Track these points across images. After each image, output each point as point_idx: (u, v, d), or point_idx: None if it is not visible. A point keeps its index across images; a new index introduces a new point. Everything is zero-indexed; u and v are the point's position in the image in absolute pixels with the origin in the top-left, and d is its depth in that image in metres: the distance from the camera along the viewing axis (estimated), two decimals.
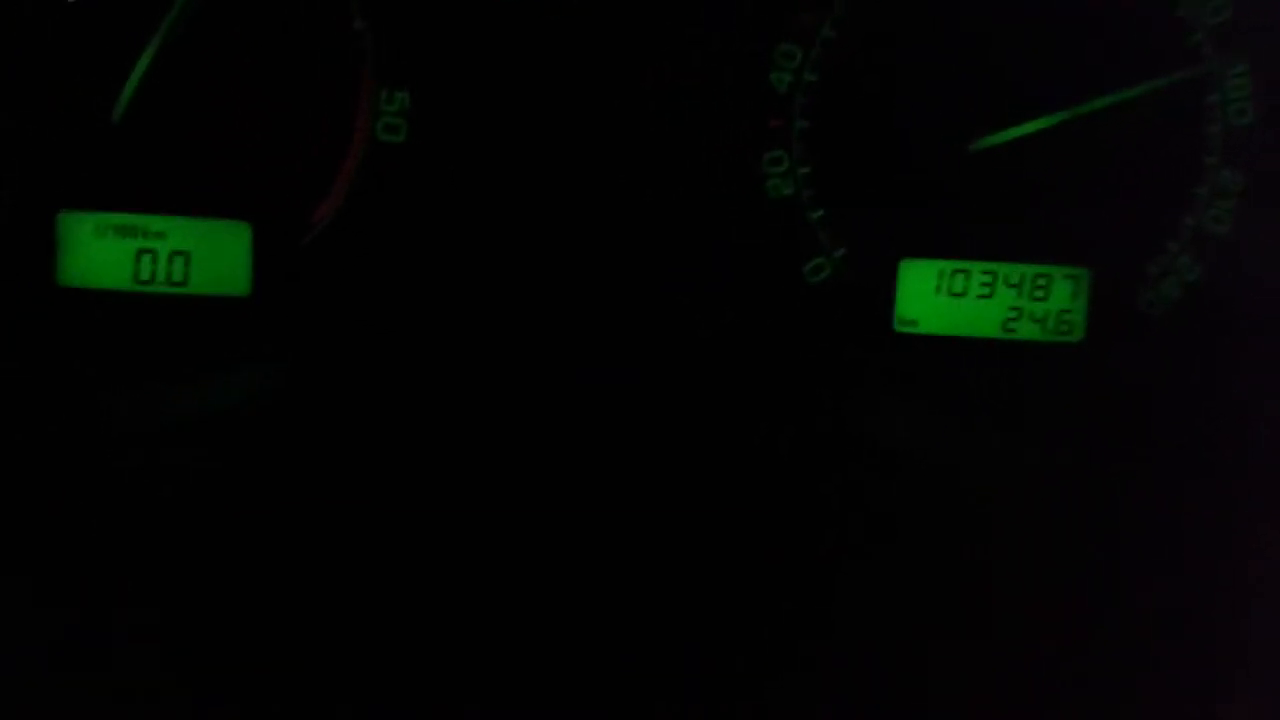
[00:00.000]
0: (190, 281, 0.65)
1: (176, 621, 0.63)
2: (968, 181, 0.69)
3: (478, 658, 0.63)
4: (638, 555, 0.66)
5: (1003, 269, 0.70)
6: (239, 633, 0.63)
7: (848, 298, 0.70)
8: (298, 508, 0.65)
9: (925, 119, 0.69)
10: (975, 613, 0.67)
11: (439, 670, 0.63)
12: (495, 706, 0.63)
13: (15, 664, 0.60)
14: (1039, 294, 0.70)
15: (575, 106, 0.67)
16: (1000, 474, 0.69)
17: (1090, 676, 0.66)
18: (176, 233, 0.65)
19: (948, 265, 0.70)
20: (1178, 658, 0.66)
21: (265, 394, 0.67)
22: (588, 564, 0.65)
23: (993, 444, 0.70)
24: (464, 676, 0.63)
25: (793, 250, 0.70)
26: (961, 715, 0.65)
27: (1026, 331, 0.71)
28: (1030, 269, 0.70)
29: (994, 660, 0.65)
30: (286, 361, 0.67)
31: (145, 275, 0.65)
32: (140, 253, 0.65)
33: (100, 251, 0.65)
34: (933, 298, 0.70)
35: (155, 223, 0.65)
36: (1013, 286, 0.70)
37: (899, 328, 0.71)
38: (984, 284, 0.70)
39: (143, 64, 0.63)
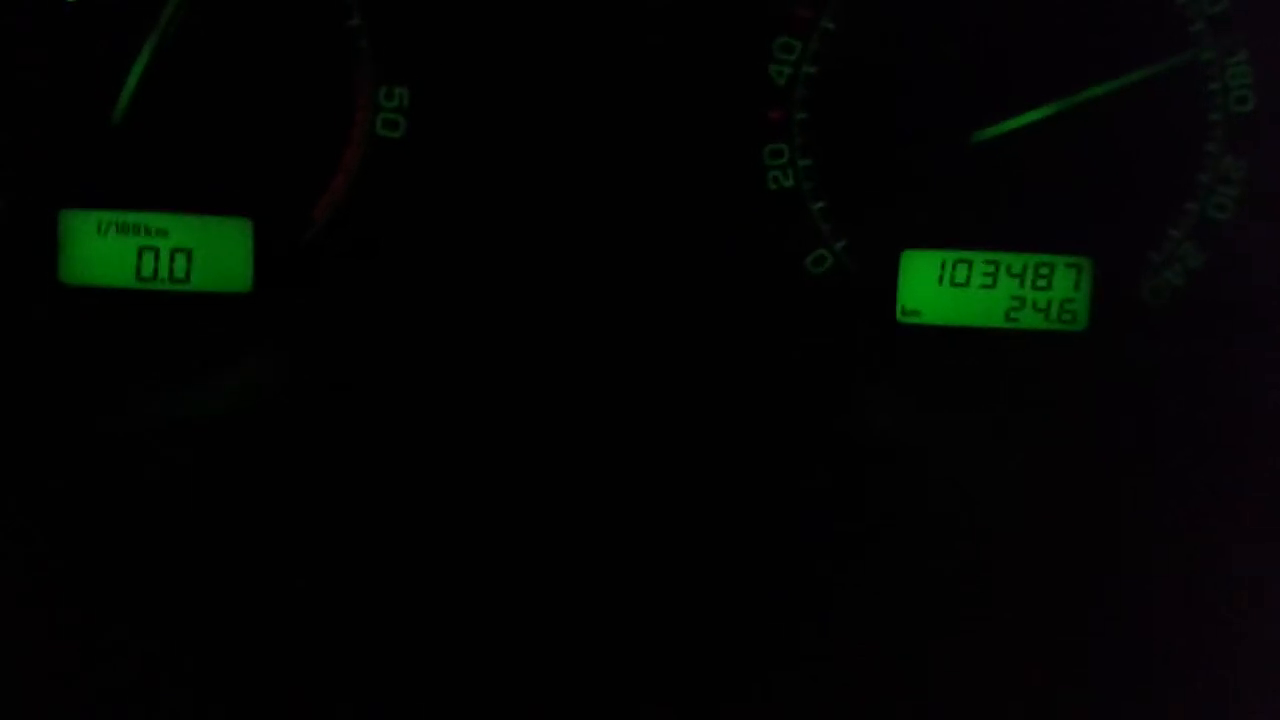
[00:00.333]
0: (192, 278, 0.66)
1: (177, 620, 0.63)
2: (969, 171, 0.69)
3: (477, 656, 0.63)
4: (638, 544, 0.66)
5: (1005, 258, 0.70)
6: (240, 631, 0.63)
7: (850, 289, 0.70)
8: (299, 503, 0.65)
9: (925, 109, 0.69)
10: (978, 603, 0.67)
11: (439, 668, 0.63)
12: (495, 705, 0.63)
13: (12, 662, 0.61)
14: (1041, 283, 0.70)
15: (574, 100, 0.67)
16: (1004, 464, 0.69)
17: (1095, 668, 0.66)
18: (178, 230, 0.65)
19: (950, 255, 0.70)
20: (1181, 650, 0.66)
21: (266, 391, 0.67)
22: (587, 558, 0.65)
23: (997, 433, 0.70)
24: (463, 675, 0.63)
25: (794, 242, 0.70)
26: (963, 709, 0.65)
27: (1029, 321, 0.70)
28: (1033, 258, 0.70)
29: (997, 650, 0.65)
30: (287, 358, 0.67)
31: (147, 272, 0.65)
32: (142, 250, 0.65)
33: (102, 249, 0.65)
34: (935, 288, 0.70)
35: (157, 220, 0.65)
36: (1015, 276, 0.70)
37: (902, 318, 0.70)
38: (986, 274, 0.70)
39: (142, 62, 0.63)
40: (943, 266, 0.70)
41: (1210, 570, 0.66)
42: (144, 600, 0.63)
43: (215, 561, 0.64)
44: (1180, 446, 0.69)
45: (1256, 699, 0.64)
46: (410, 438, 0.66)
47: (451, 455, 0.66)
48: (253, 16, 0.65)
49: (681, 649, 0.65)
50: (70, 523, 0.63)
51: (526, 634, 0.64)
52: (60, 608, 0.63)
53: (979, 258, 0.70)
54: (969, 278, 0.70)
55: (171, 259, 0.65)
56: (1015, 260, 0.70)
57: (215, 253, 0.66)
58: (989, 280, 0.70)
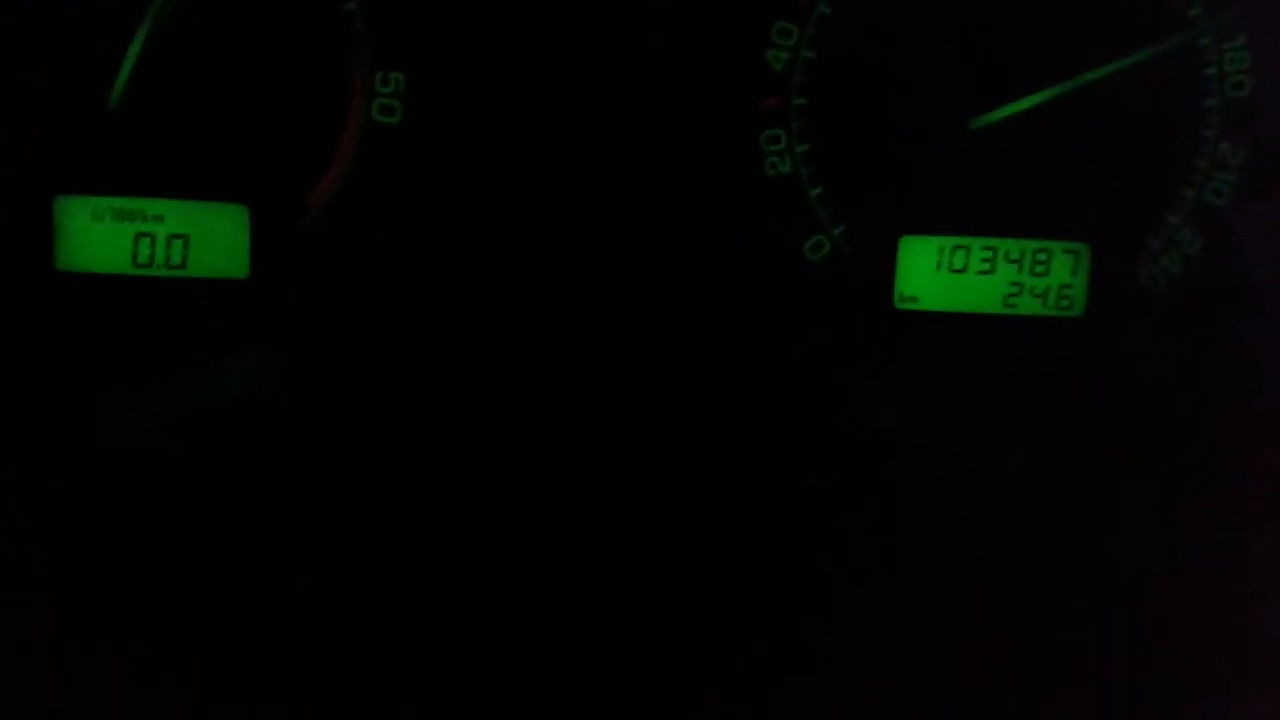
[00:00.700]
0: (189, 264, 0.65)
1: (172, 612, 0.63)
2: (967, 157, 0.69)
3: (477, 651, 0.63)
4: (635, 533, 0.66)
5: (1003, 244, 0.70)
6: (236, 624, 0.63)
7: (848, 275, 0.70)
8: (295, 492, 0.65)
9: (923, 95, 0.69)
10: (978, 593, 0.67)
11: (437, 663, 0.63)
12: (495, 702, 0.63)
13: (8, 658, 0.60)
14: (1039, 269, 0.70)
15: (572, 86, 0.67)
16: (1002, 450, 0.69)
17: (1095, 658, 0.66)
18: (174, 216, 0.65)
19: (948, 241, 0.70)
20: (1180, 637, 0.66)
21: (263, 378, 0.67)
22: (585, 551, 0.65)
23: (995, 419, 0.70)
24: (463, 671, 0.63)
25: (792, 228, 0.70)
26: (964, 700, 0.65)
27: (1027, 307, 0.70)
28: (1030, 244, 0.70)
29: (997, 641, 0.65)
30: (283, 344, 0.67)
31: (144, 258, 0.65)
32: (138, 236, 0.65)
33: (98, 235, 0.65)
34: (933, 274, 0.70)
35: (153, 206, 0.65)
36: (1013, 262, 0.70)
37: (900, 305, 0.70)
38: (984, 260, 0.70)
39: (137, 47, 0.63)
40: (941, 252, 0.70)
41: (1210, 557, 0.66)
42: (140, 591, 0.63)
43: (210, 552, 0.64)
44: (1179, 432, 0.69)
45: (1255, 689, 0.64)
46: (407, 425, 0.66)
47: (449, 443, 0.66)
48: (248, 1, 0.64)
49: (679, 643, 0.65)
50: (66, 512, 0.63)
51: (527, 629, 0.64)
52: (57, 598, 0.62)
53: (977, 244, 0.70)
54: (967, 264, 0.70)
55: (168, 245, 0.65)
56: (1013, 246, 0.70)
57: (212, 239, 0.65)
58: (987, 266, 0.70)
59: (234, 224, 0.65)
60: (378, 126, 0.66)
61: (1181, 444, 0.69)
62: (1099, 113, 0.69)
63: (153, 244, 0.65)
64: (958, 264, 0.70)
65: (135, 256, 0.65)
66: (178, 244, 0.65)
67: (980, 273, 0.70)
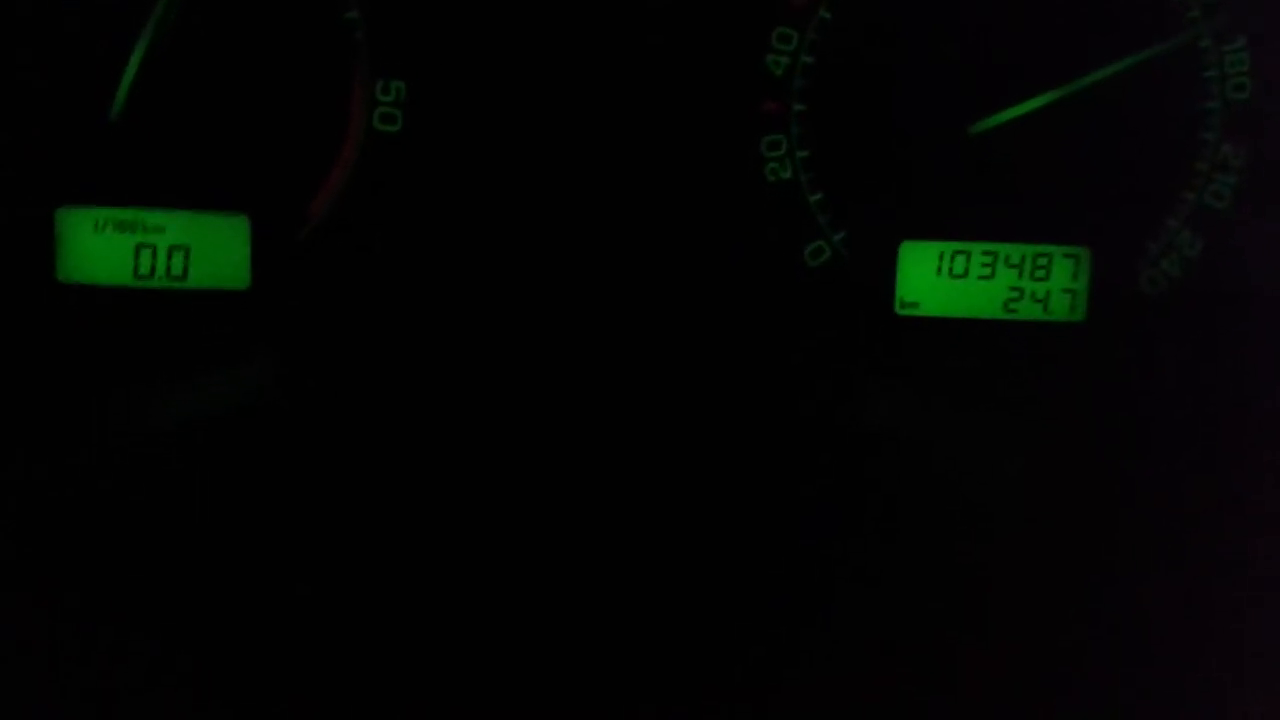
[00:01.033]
0: (190, 276, 0.65)
1: (173, 620, 0.63)
2: (967, 162, 0.69)
3: (477, 653, 0.63)
4: (635, 537, 0.66)
5: (1003, 249, 0.70)
6: (236, 629, 0.63)
7: (849, 281, 0.70)
8: (297, 499, 0.65)
9: (923, 100, 0.69)
10: (978, 599, 0.67)
11: (437, 666, 0.63)
12: (495, 704, 0.63)
13: (9, 662, 0.61)
14: (1040, 273, 0.70)
15: (571, 92, 0.67)
16: (1003, 455, 0.69)
17: (1093, 663, 0.66)
18: (175, 227, 0.65)
19: (948, 247, 0.70)
20: (1179, 641, 0.66)
21: (265, 387, 0.67)
22: (586, 552, 0.65)
23: (996, 424, 0.70)
24: (463, 674, 0.63)
25: (793, 234, 0.70)
26: (962, 701, 0.66)
27: (1028, 311, 0.70)
28: (1030, 249, 0.70)
29: (996, 644, 0.65)
30: (285, 354, 0.67)
31: (145, 270, 0.65)
32: (139, 247, 0.65)
33: (99, 247, 0.65)
34: (934, 279, 0.70)
35: (154, 217, 0.65)
36: (1013, 267, 0.70)
37: (900, 310, 0.70)
38: (985, 265, 0.70)
39: (137, 58, 0.63)
40: (941, 258, 0.70)
41: (1208, 561, 0.66)
42: (141, 598, 0.63)
43: (212, 560, 0.64)
44: (1179, 435, 0.69)
45: (1254, 693, 0.64)
46: (408, 432, 0.66)
47: (450, 448, 0.66)
48: (248, 11, 0.64)
49: (678, 645, 0.65)
50: (67, 521, 0.63)
51: (527, 630, 0.64)
52: (56, 606, 0.63)
53: (977, 249, 0.70)
54: (967, 269, 0.70)
55: (169, 256, 0.65)
56: (1013, 251, 0.70)
57: (213, 250, 0.65)
58: (987, 271, 0.70)
59: (235, 234, 0.65)
60: (378, 135, 0.66)
61: (1181, 447, 0.69)
62: (1099, 116, 0.69)
63: (154, 255, 0.65)
64: (958, 269, 0.70)
65: (136, 268, 0.65)
66: (179, 255, 0.65)
67: (981, 278, 0.70)
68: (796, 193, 0.69)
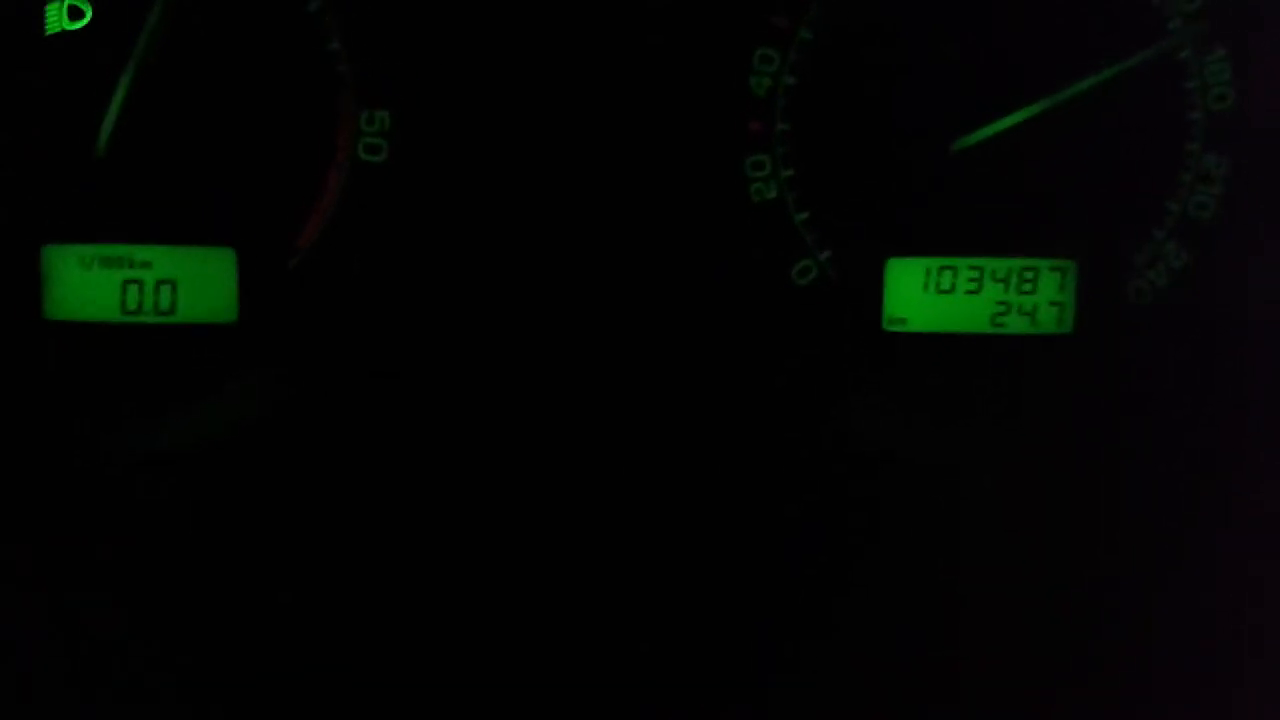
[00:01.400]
0: (178, 310, 0.65)
1: (174, 643, 0.63)
2: (951, 177, 0.69)
3: (476, 660, 0.64)
4: (627, 553, 0.66)
5: (989, 264, 0.70)
6: (234, 653, 0.63)
7: (836, 298, 0.70)
8: (290, 531, 0.65)
9: (906, 117, 0.69)
10: (966, 611, 0.67)
11: (442, 673, 0.64)
12: (494, 708, 0.63)
13: (15, 676, 0.61)
14: (1026, 287, 0.70)
15: (556, 118, 0.67)
16: (994, 470, 0.69)
17: (1082, 674, 0.66)
18: (162, 261, 0.65)
19: (934, 262, 0.70)
20: (1173, 651, 0.66)
21: (255, 420, 0.67)
22: (579, 570, 0.66)
23: (986, 439, 0.70)
24: (463, 678, 0.64)
25: (779, 253, 0.70)
26: (953, 713, 0.66)
27: (1015, 325, 0.71)
28: (1017, 263, 0.70)
29: (985, 658, 0.66)
30: (275, 386, 0.67)
31: (132, 305, 0.65)
32: (126, 283, 0.65)
33: (86, 283, 0.65)
34: (921, 295, 0.70)
35: (140, 252, 0.65)
36: (1000, 281, 0.70)
37: (888, 327, 0.71)
38: (971, 279, 0.70)
39: (120, 94, 0.63)
40: (927, 274, 0.70)
41: (1199, 571, 0.67)
42: (132, 632, 0.63)
43: (203, 593, 0.64)
44: (1168, 446, 0.69)
45: (1254, 699, 0.65)
46: (400, 461, 0.66)
47: (443, 478, 0.66)
48: (231, 44, 0.64)
49: (668, 658, 0.65)
50: (58, 559, 0.63)
51: (523, 643, 0.65)
52: (50, 640, 0.63)
53: (963, 264, 0.70)
54: (954, 284, 0.70)
55: (156, 291, 0.65)
56: (1000, 265, 0.70)
57: (200, 283, 0.65)
58: (974, 286, 0.70)
59: (222, 268, 0.65)
60: (364, 166, 0.66)
61: (1171, 458, 0.69)
62: (1081, 129, 0.69)
63: (141, 290, 0.65)
64: (945, 284, 0.70)
65: (124, 304, 0.65)
66: (166, 289, 0.65)
67: (968, 292, 0.70)
68: (782, 212, 0.69)
